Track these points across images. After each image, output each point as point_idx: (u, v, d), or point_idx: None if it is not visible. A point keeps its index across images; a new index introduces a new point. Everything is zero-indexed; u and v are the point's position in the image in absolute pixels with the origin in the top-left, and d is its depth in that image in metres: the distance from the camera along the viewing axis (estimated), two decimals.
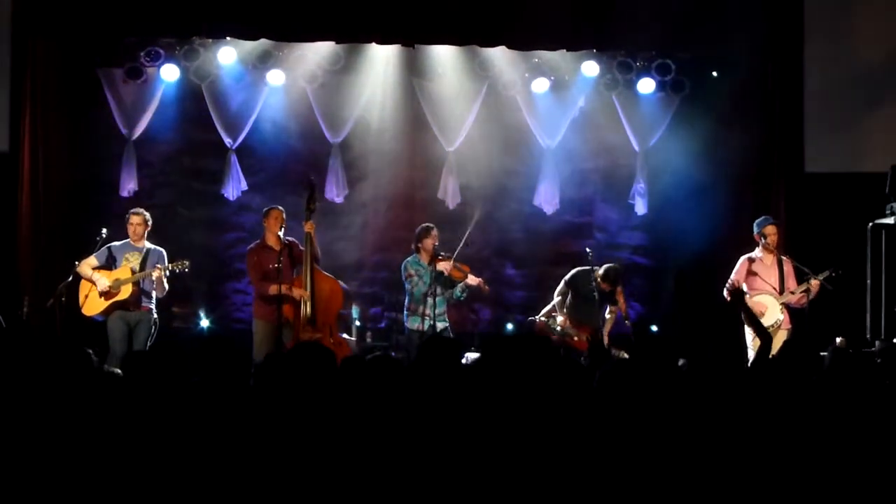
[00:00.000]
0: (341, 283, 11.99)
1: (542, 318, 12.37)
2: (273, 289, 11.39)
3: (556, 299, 12.42)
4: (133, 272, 11.56)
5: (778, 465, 5.13)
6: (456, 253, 12.13)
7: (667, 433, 5.21)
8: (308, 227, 11.53)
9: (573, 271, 12.45)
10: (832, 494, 5.10)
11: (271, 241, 11.71)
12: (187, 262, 11.67)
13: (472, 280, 12.11)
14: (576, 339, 12.12)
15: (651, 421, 5.27)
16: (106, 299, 11.55)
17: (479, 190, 14.58)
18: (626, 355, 12.01)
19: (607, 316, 12.37)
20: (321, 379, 5.67)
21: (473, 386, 5.76)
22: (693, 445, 5.16)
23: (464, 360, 11.53)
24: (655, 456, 5.06)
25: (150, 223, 11.81)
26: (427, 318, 11.86)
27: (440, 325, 12.02)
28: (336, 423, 5.26)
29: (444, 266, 11.99)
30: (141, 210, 11.89)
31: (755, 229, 12.16)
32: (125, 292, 11.54)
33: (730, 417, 5.41)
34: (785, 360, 6.31)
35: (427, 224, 12.42)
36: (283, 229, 11.63)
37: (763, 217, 12.29)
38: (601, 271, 12.28)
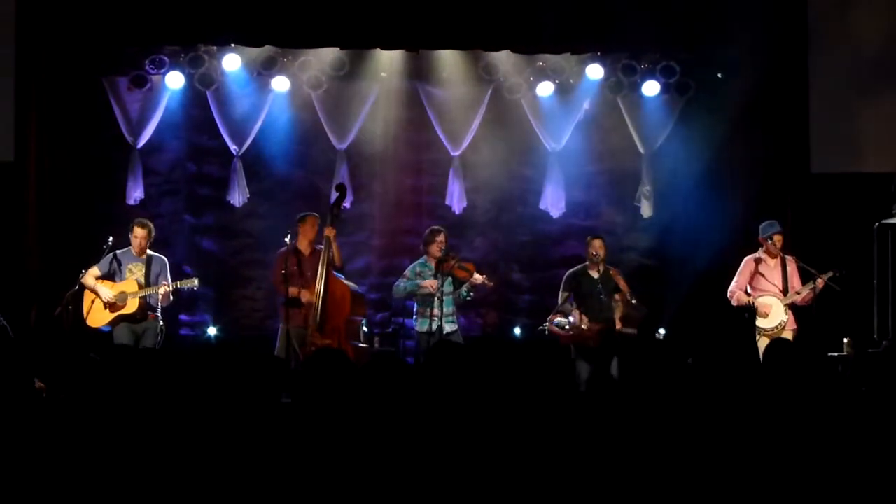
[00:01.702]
0: (355, 288, 11.98)
1: (554, 322, 12.31)
2: (292, 290, 11.50)
3: (563, 306, 12.39)
4: (139, 285, 11.58)
5: (784, 466, 5.13)
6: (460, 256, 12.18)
7: (674, 436, 5.21)
8: (328, 231, 11.60)
9: (566, 274, 12.46)
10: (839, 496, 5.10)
11: (302, 246, 11.79)
12: (196, 281, 11.74)
13: (477, 278, 12.12)
14: (589, 333, 12.08)
15: (658, 423, 5.27)
16: (111, 311, 11.58)
17: (486, 194, 14.60)
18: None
19: (614, 306, 12.35)
20: (330, 384, 5.68)
21: (480, 391, 5.76)
22: (699, 448, 5.16)
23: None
24: (661, 458, 5.06)
25: (153, 234, 11.86)
26: (435, 318, 11.89)
27: (450, 328, 12.05)
28: (342, 426, 5.27)
29: (447, 268, 12.01)
30: (146, 222, 11.92)
31: (761, 233, 12.15)
32: (132, 306, 11.57)
33: (736, 418, 5.41)
34: (770, 363, 6.27)
35: (435, 227, 12.47)
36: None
37: (769, 222, 12.23)
38: (590, 243, 12.35)
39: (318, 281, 11.52)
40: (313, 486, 5.00)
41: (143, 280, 11.63)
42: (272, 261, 12.26)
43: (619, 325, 12.25)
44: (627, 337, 12.14)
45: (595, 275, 12.27)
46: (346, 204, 14.20)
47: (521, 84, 14.18)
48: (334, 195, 12.12)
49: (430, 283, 12.05)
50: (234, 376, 5.85)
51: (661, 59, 14.03)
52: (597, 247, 12.28)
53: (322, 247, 11.70)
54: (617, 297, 12.36)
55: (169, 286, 11.62)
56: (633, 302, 12.32)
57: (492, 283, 12.40)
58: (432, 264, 12.17)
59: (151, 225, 11.91)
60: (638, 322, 12.39)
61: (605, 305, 12.15)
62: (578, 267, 12.45)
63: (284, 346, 11.51)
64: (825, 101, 13.61)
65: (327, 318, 11.48)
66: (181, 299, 12.75)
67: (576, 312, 12.19)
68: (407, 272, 12.30)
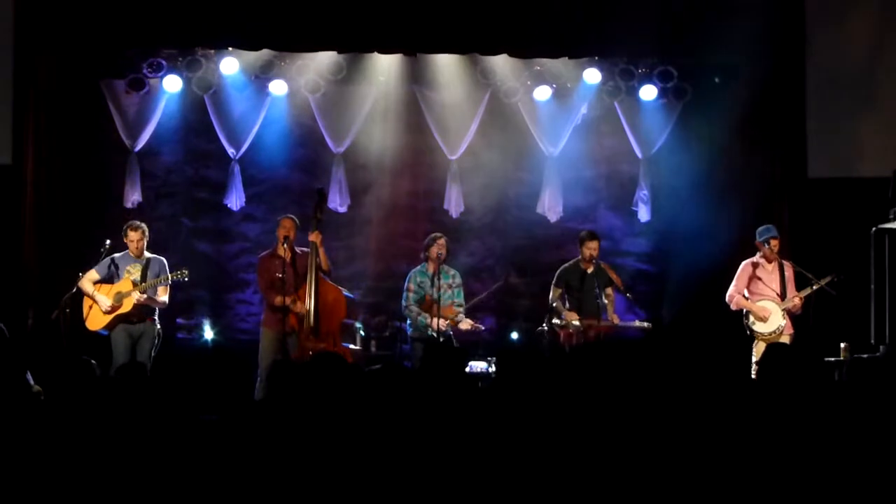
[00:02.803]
0: (346, 292, 12.00)
1: (555, 322, 12.34)
2: (277, 300, 11.45)
3: (555, 304, 12.42)
4: (134, 284, 11.60)
5: (781, 471, 5.13)
6: (466, 304, 12.63)
7: (672, 440, 5.21)
8: (313, 237, 11.57)
9: (557, 272, 12.53)
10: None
11: (279, 250, 11.77)
12: (186, 271, 11.72)
13: (463, 326, 12.30)
14: (591, 332, 12.10)
15: (656, 428, 5.27)
16: (109, 313, 11.59)
17: (483, 198, 14.60)
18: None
19: (605, 301, 12.38)
20: (331, 388, 5.68)
21: (478, 394, 5.77)
22: (698, 453, 5.16)
23: (467, 368, 11.65)
24: (661, 464, 5.06)
25: (147, 234, 11.86)
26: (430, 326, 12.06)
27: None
28: (342, 430, 5.27)
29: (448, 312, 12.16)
30: (138, 223, 11.92)
31: (758, 237, 12.20)
32: (128, 305, 11.59)
33: (733, 424, 5.41)
34: (768, 365, 6.26)
35: (435, 234, 12.54)
36: (286, 239, 11.66)
37: (766, 227, 12.30)
38: (581, 240, 12.49)
39: (308, 286, 11.51)
40: (311, 491, 5.01)
41: (139, 280, 11.65)
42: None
43: (616, 320, 12.33)
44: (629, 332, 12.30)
45: (589, 270, 12.35)
46: (343, 208, 14.24)
47: (519, 88, 14.17)
48: (314, 201, 12.04)
49: (434, 324, 12.16)
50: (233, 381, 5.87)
51: (659, 63, 14.03)
52: (593, 248, 12.36)
53: (306, 250, 11.68)
54: (608, 290, 12.44)
55: (166, 283, 11.67)
56: (628, 296, 12.41)
57: (482, 328, 12.54)
58: (431, 272, 12.26)
59: (144, 226, 11.91)
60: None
61: (600, 302, 12.21)
62: (570, 263, 12.55)
63: (272, 349, 11.51)
64: (822, 106, 13.61)
65: (321, 322, 11.47)
66: (176, 302, 12.74)
67: (567, 313, 12.24)
68: (410, 285, 12.40)
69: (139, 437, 5.27)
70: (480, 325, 12.55)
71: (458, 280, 12.61)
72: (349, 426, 5.34)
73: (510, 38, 13.32)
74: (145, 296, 11.58)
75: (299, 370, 5.86)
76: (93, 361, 6.14)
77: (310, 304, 11.45)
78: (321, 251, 11.61)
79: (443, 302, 12.15)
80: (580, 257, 12.47)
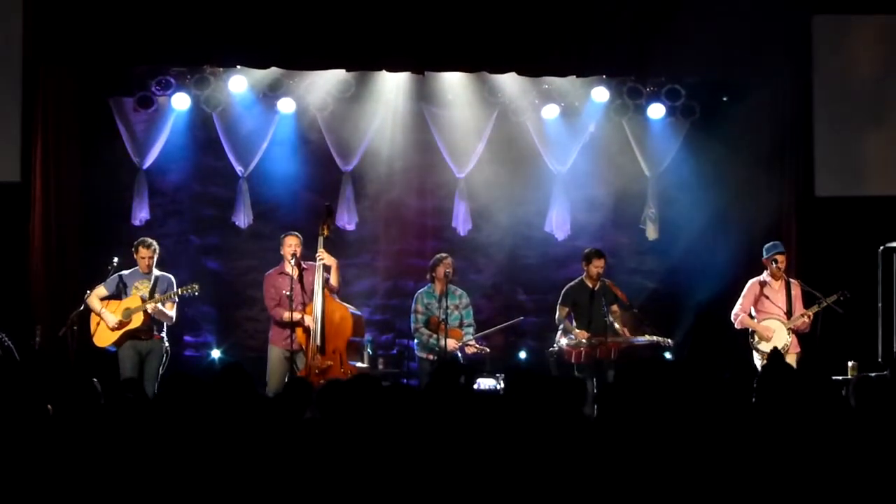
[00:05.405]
0: (354, 310, 11.99)
1: (564, 342, 12.35)
2: (286, 315, 11.47)
3: (564, 323, 12.45)
4: (143, 300, 11.62)
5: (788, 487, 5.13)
6: (477, 334, 12.60)
7: (677, 460, 5.20)
8: (320, 253, 11.58)
9: (563, 291, 12.56)
10: None
11: (286, 267, 11.78)
12: (196, 286, 11.76)
13: (470, 348, 12.35)
14: (601, 347, 12.11)
15: (660, 445, 5.27)
16: (118, 329, 11.60)
17: (491, 216, 14.60)
18: (669, 341, 12.20)
19: (611, 318, 12.38)
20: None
21: (485, 411, 5.77)
22: (704, 471, 5.16)
23: (475, 386, 11.66)
24: (665, 481, 5.06)
25: (157, 251, 11.90)
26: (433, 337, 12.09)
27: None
28: (350, 446, 5.28)
29: (454, 339, 12.19)
30: (150, 241, 11.96)
31: (765, 254, 12.22)
32: (136, 321, 11.61)
33: (740, 443, 5.41)
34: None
35: (440, 254, 12.60)
36: (294, 256, 11.67)
37: (773, 243, 12.32)
38: (587, 258, 12.49)
39: (315, 303, 11.53)
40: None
41: (147, 296, 11.68)
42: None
43: (629, 335, 12.32)
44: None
45: (595, 288, 12.37)
46: (351, 226, 14.24)
47: (527, 106, 14.21)
48: (321, 217, 12.05)
49: (473, 349, 12.33)
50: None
51: (667, 82, 14.05)
52: (600, 266, 12.40)
53: (312, 263, 11.70)
54: (614, 307, 12.45)
55: (168, 296, 11.68)
56: (635, 311, 12.43)
57: (487, 350, 12.61)
58: (438, 291, 12.29)
59: (155, 243, 11.95)
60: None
61: (608, 319, 12.22)
62: (575, 282, 12.58)
63: (280, 367, 11.54)
64: (830, 124, 13.62)
65: (327, 339, 11.48)
66: (185, 319, 12.75)
67: (576, 331, 12.26)
68: (417, 306, 12.48)
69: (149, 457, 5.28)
70: (486, 347, 12.57)
71: (466, 300, 12.64)
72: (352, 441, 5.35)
73: (518, 56, 13.33)
74: (157, 306, 11.61)
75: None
76: (94, 380, 6.14)
77: (316, 322, 11.46)
78: (335, 272, 11.66)
79: (450, 323, 12.19)
80: (585, 275, 12.50)
